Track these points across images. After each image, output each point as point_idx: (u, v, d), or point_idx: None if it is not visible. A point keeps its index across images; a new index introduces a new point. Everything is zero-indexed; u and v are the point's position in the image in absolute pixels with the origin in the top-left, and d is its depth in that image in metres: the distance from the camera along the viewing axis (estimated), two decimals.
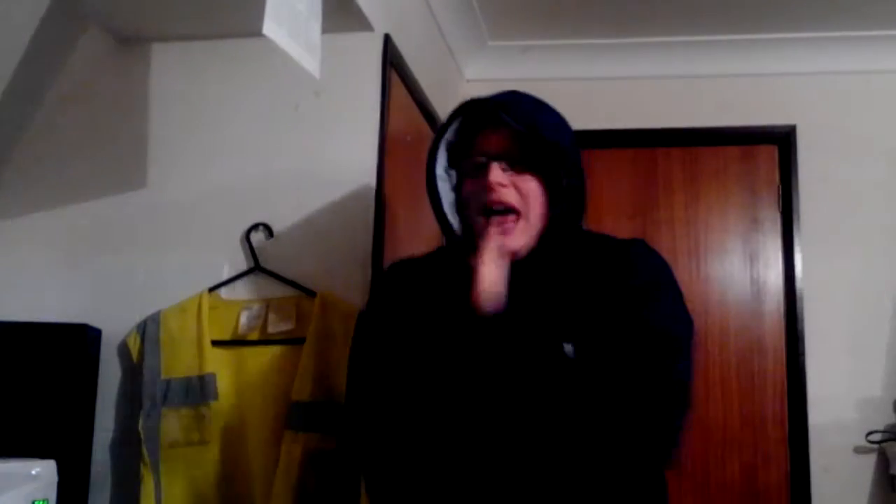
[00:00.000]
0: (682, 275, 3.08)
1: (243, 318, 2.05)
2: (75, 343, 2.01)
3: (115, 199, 2.22)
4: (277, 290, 2.10)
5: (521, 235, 1.42)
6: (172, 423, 1.98)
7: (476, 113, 1.47)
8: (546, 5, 2.98)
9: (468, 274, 1.37)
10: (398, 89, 2.42)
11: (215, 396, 1.98)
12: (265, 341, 2.03)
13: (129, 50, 2.29)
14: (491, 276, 1.36)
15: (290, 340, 2.02)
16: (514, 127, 1.41)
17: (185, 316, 2.04)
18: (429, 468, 1.40)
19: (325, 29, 1.84)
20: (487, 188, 1.40)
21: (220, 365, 2.02)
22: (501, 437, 1.36)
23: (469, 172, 1.46)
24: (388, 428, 1.43)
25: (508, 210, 1.41)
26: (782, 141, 3.16)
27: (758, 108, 3.17)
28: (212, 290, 2.09)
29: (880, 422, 2.92)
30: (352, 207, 2.15)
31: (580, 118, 3.30)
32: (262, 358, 2.03)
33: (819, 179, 3.11)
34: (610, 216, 3.17)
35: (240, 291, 2.11)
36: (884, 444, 2.89)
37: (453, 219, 1.49)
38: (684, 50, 3.19)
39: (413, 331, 1.44)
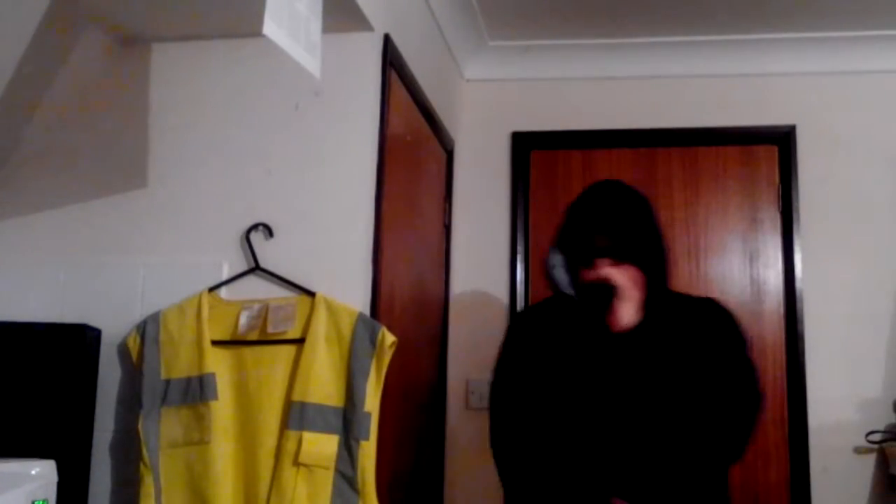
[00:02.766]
0: (682, 275, 3.13)
1: (243, 319, 2.05)
2: (75, 343, 2.01)
3: (115, 199, 2.22)
4: (277, 291, 2.10)
5: (629, 315, 1.94)
6: (172, 423, 1.98)
7: (585, 218, 1.99)
8: (546, 5, 2.98)
9: (598, 322, 1.94)
10: (398, 89, 2.42)
11: (215, 396, 1.98)
12: (265, 341, 2.03)
13: (129, 50, 2.29)
14: (625, 309, 1.93)
15: (290, 340, 2.02)
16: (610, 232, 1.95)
17: (184, 316, 2.04)
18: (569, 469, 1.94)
19: (325, 29, 1.84)
20: (598, 278, 1.93)
21: (219, 365, 2.02)
22: (629, 438, 1.90)
23: (583, 262, 1.96)
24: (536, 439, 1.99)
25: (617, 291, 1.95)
26: (782, 141, 3.16)
27: (758, 108, 3.17)
28: (212, 290, 2.09)
29: (880, 422, 2.92)
30: (352, 207, 2.15)
31: (580, 118, 3.35)
32: (262, 358, 2.03)
33: (819, 179, 3.11)
34: None
35: (240, 291, 2.11)
36: (884, 444, 2.89)
37: (570, 292, 1.98)
38: (684, 50, 3.19)
39: (555, 358, 1.97)
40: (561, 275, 1.99)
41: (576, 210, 2.03)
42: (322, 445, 1.95)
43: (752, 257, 3.14)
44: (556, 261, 1.99)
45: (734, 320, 2.04)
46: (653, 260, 1.96)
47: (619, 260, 1.92)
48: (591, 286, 1.93)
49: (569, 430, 1.93)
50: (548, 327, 2.05)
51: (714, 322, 2.01)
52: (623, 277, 1.91)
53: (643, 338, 1.93)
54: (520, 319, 2.20)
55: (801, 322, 3.04)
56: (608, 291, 1.91)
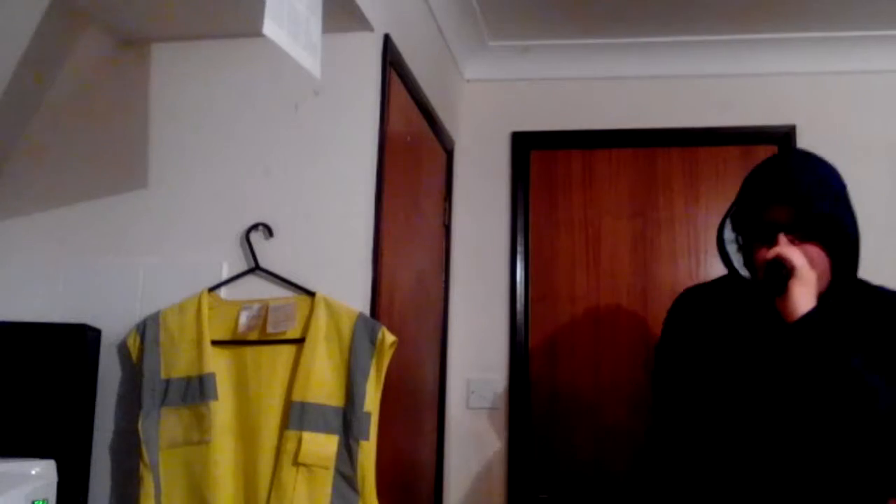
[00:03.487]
0: (682, 275, 3.12)
1: (243, 318, 2.05)
2: (75, 343, 2.01)
3: (115, 199, 2.22)
4: (277, 290, 2.10)
5: (808, 301, 1.64)
6: (172, 423, 1.99)
7: (764, 186, 1.69)
8: (546, 5, 2.98)
9: (771, 308, 1.65)
10: (398, 89, 2.42)
11: (215, 396, 1.98)
12: (265, 341, 2.03)
13: (130, 50, 2.29)
14: (802, 293, 1.62)
15: (290, 340, 2.02)
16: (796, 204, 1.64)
17: (184, 316, 2.05)
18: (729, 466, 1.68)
19: (325, 29, 1.84)
20: (778, 256, 1.63)
21: (219, 365, 2.02)
22: (797, 437, 1.64)
23: (759, 239, 1.68)
24: (695, 432, 1.72)
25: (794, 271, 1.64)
26: (782, 141, 3.16)
27: (758, 108, 3.17)
28: (211, 290, 2.09)
29: None
30: (352, 207, 2.16)
31: (580, 118, 3.35)
32: (262, 358, 2.03)
33: None
34: (610, 216, 3.17)
35: (239, 291, 2.11)
36: None
37: (744, 272, 1.72)
38: (684, 50, 3.19)
39: (717, 345, 1.70)
40: (734, 254, 1.72)
41: (755, 178, 1.73)
42: (322, 445, 1.95)
43: None
44: (730, 235, 1.72)
45: None
46: (841, 241, 1.67)
47: (801, 238, 1.65)
48: (765, 266, 1.64)
49: (725, 435, 1.69)
50: (713, 310, 1.79)
51: None
52: (802, 258, 1.62)
53: (817, 331, 1.62)
54: (684, 299, 1.86)
55: None
56: (784, 272, 1.62)
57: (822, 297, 1.66)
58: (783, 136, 3.16)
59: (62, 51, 2.18)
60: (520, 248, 3.17)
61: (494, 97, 3.30)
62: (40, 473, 1.75)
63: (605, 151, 3.22)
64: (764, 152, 3.18)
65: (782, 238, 1.64)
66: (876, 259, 3.04)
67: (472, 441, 3.06)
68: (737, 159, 3.19)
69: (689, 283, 3.05)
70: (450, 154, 3.15)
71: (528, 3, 2.97)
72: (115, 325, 2.10)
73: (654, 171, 3.21)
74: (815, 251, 1.66)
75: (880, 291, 1.81)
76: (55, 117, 2.26)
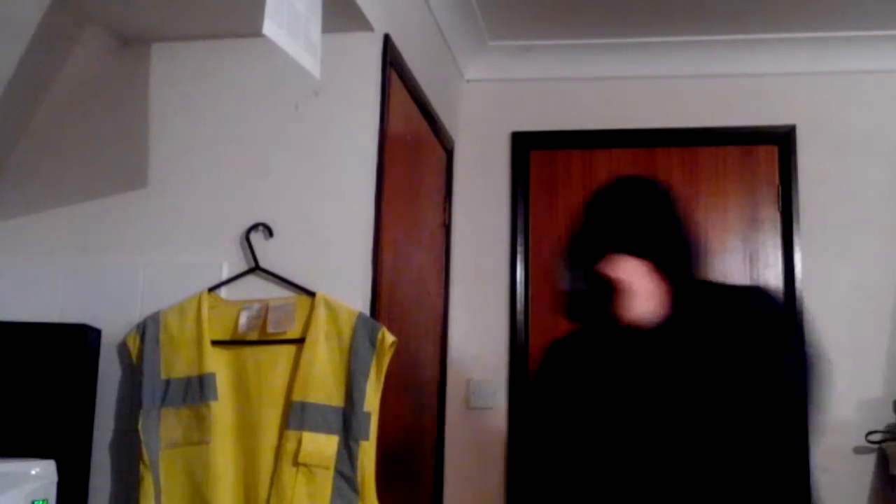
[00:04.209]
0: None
1: (243, 318, 2.05)
2: (75, 343, 2.01)
3: (115, 199, 2.22)
4: (277, 290, 2.10)
5: (643, 308, 1.72)
6: (172, 423, 1.98)
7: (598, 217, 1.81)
8: (546, 5, 2.98)
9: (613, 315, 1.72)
10: (398, 89, 2.42)
11: (215, 396, 1.98)
12: (265, 341, 2.03)
13: (130, 50, 2.29)
14: (633, 304, 1.70)
15: (290, 340, 2.02)
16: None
17: (184, 316, 2.04)
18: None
19: (325, 29, 1.84)
20: (612, 278, 1.71)
21: (219, 365, 2.02)
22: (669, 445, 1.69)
23: (596, 261, 1.75)
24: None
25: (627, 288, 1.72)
26: (782, 141, 3.16)
27: (758, 108, 3.17)
28: (212, 290, 2.09)
29: (880, 422, 2.92)
30: (352, 207, 2.15)
31: (580, 118, 3.34)
32: (262, 358, 2.03)
33: (819, 179, 3.11)
34: None
35: (239, 291, 2.11)
36: (884, 444, 2.89)
37: (580, 287, 1.79)
38: (684, 50, 3.19)
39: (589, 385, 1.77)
40: (575, 276, 1.81)
41: (593, 210, 1.85)
42: (322, 445, 1.95)
43: (752, 257, 3.14)
44: (567, 268, 1.83)
45: (774, 306, 1.87)
46: (671, 251, 1.80)
47: (631, 255, 1.75)
48: (594, 282, 1.75)
49: (597, 450, 1.74)
50: (582, 354, 1.87)
51: (749, 311, 1.81)
52: (624, 271, 1.73)
53: (673, 333, 1.73)
54: (554, 350, 1.98)
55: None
56: (609, 287, 1.72)
57: (669, 303, 1.75)
58: (783, 136, 3.16)
59: (62, 51, 2.18)
60: (520, 248, 3.17)
61: (494, 97, 3.30)
62: (40, 473, 1.75)
63: (604, 151, 3.22)
64: (764, 152, 3.19)
65: (609, 257, 1.74)
66: (876, 259, 3.06)
67: (472, 441, 3.06)
68: (737, 159, 3.19)
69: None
70: (450, 154, 3.15)
71: (528, 3, 2.97)
72: (115, 325, 2.10)
73: (654, 171, 3.20)
74: (646, 267, 1.75)
75: (726, 287, 1.93)
76: (55, 117, 2.26)
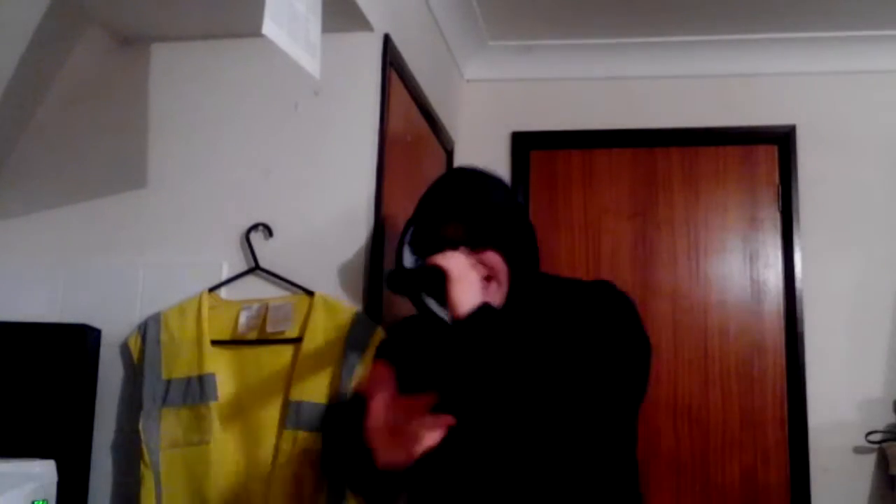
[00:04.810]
0: (681, 275, 3.12)
1: (242, 318, 2.05)
2: (75, 343, 2.01)
3: (115, 199, 2.22)
4: (277, 291, 2.10)
5: (496, 296, 1.66)
6: (172, 424, 1.98)
7: (435, 208, 1.74)
8: (546, 5, 2.98)
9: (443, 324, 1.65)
10: (398, 89, 2.42)
11: (215, 397, 1.99)
12: (265, 341, 2.03)
13: (130, 50, 2.29)
14: (463, 293, 1.58)
15: (289, 340, 2.02)
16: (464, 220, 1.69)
17: (185, 316, 2.05)
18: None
19: (325, 29, 1.84)
20: (427, 263, 1.63)
21: (219, 365, 2.02)
22: (488, 442, 1.60)
23: (435, 251, 1.66)
24: None
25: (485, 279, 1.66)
26: (782, 141, 3.16)
27: (758, 108, 3.17)
28: (212, 290, 2.09)
29: (880, 422, 2.92)
30: (352, 207, 2.15)
31: (580, 118, 3.34)
32: (262, 358, 2.03)
33: (819, 179, 3.11)
34: (610, 216, 3.17)
35: (240, 291, 2.11)
36: (884, 444, 2.89)
37: (430, 302, 1.71)
38: (684, 50, 3.19)
39: (412, 375, 1.63)
40: (409, 262, 1.75)
41: (425, 201, 1.78)
42: (315, 444, 1.94)
43: (752, 257, 3.14)
44: (407, 259, 1.75)
45: (617, 299, 1.70)
46: (515, 243, 1.71)
47: (475, 248, 1.68)
48: (420, 273, 1.66)
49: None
50: (408, 345, 1.81)
51: (582, 301, 1.71)
52: (455, 261, 1.61)
53: (487, 322, 1.58)
54: (383, 342, 1.92)
55: (801, 322, 3.03)
56: (439, 277, 1.61)
57: (508, 296, 1.69)
58: (783, 136, 3.16)
59: (62, 51, 2.18)
60: None
61: (494, 97, 3.30)
62: (40, 473, 1.75)
63: (605, 151, 3.22)
64: (764, 152, 3.19)
65: (448, 251, 1.65)
66: (876, 259, 3.06)
67: None
68: (737, 159, 3.19)
69: (689, 283, 3.09)
70: (450, 154, 3.15)
71: (528, 3, 2.97)
72: (115, 325, 2.10)
73: (654, 171, 3.21)
74: (492, 257, 1.69)
75: (559, 281, 1.83)
76: (55, 117, 2.26)
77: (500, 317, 1.59)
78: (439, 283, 1.59)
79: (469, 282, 1.61)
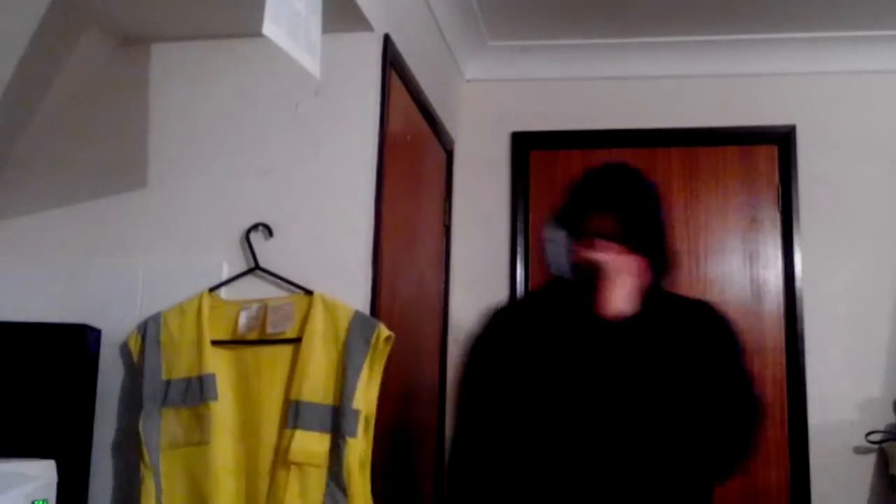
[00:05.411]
0: (681, 274, 3.10)
1: (242, 319, 2.05)
2: (75, 343, 2.01)
3: (115, 199, 2.22)
4: (277, 290, 2.10)
5: (626, 303, 1.72)
6: (172, 424, 1.98)
7: (589, 200, 1.80)
8: (546, 5, 2.98)
9: (587, 308, 1.72)
10: (398, 89, 2.42)
11: (215, 397, 1.98)
12: (264, 341, 2.03)
13: (130, 50, 2.29)
14: (615, 294, 1.70)
15: (289, 340, 2.02)
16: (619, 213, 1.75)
17: (185, 316, 2.05)
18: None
19: (325, 29, 1.84)
20: (599, 262, 1.72)
21: (219, 365, 2.02)
22: (613, 438, 1.69)
23: (580, 240, 1.76)
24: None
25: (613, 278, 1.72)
26: (782, 141, 3.16)
27: (758, 108, 3.17)
28: (212, 290, 2.09)
29: (880, 422, 2.92)
30: (352, 207, 2.15)
31: (580, 118, 3.34)
32: (262, 358, 2.03)
33: (819, 179, 3.11)
34: None
35: (240, 291, 2.11)
36: (884, 444, 2.89)
37: (560, 273, 1.77)
38: (684, 50, 3.19)
39: (536, 356, 1.74)
40: (555, 254, 1.79)
41: (580, 188, 1.83)
42: (313, 443, 1.94)
43: (752, 257, 3.14)
44: (554, 237, 1.78)
45: (730, 326, 1.85)
46: (656, 250, 1.78)
47: (619, 244, 1.73)
48: (581, 266, 1.73)
49: (545, 428, 1.71)
50: (528, 319, 1.84)
51: (710, 327, 1.82)
52: (615, 259, 1.71)
53: (638, 330, 1.72)
54: (493, 317, 1.91)
55: (801, 322, 3.03)
56: (596, 272, 1.70)
57: (643, 301, 1.74)
58: (783, 136, 3.16)
59: (62, 51, 2.18)
60: (520, 249, 3.17)
61: (494, 97, 3.30)
62: (40, 473, 1.75)
63: (605, 151, 3.21)
64: (764, 152, 3.19)
65: (599, 243, 1.73)
66: (876, 259, 3.06)
67: None
68: (737, 159, 3.19)
69: (689, 283, 3.08)
70: (450, 154, 3.15)
71: (528, 3, 2.97)
72: (115, 325, 2.10)
73: (654, 171, 3.20)
74: (632, 258, 1.74)
75: (681, 298, 1.89)
76: (55, 117, 2.26)
77: (643, 327, 1.70)
78: (594, 274, 1.70)
79: (623, 284, 1.71)
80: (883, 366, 2.98)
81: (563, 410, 1.71)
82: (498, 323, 1.88)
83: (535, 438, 1.72)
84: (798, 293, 3.05)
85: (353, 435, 1.95)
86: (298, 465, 1.93)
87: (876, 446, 2.91)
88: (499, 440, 1.75)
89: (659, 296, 1.80)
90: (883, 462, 2.90)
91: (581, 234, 1.75)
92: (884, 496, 2.89)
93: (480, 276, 3.16)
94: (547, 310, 1.84)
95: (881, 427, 2.91)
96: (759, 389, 1.87)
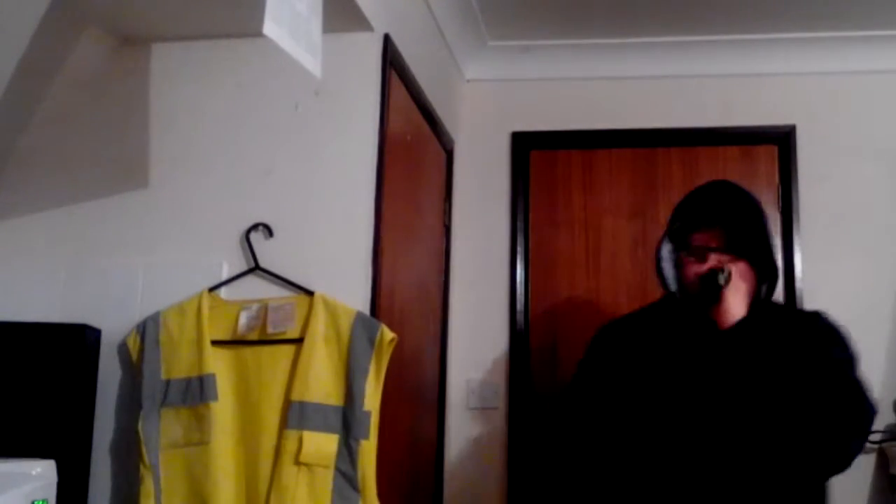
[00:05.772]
0: None
1: (242, 319, 2.05)
2: (75, 343, 2.01)
3: (115, 199, 2.22)
4: (277, 291, 2.10)
5: (740, 309, 1.80)
6: (172, 424, 1.98)
7: (695, 210, 1.90)
8: (546, 5, 2.98)
9: (703, 317, 1.81)
10: (398, 89, 2.42)
11: (215, 397, 1.98)
12: (265, 341, 2.03)
13: (130, 50, 2.29)
14: (736, 301, 1.79)
15: (290, 340, 2.02)
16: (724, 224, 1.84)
17: (184, 316, 2.04)
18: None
19: (325, 29, 1.84)
20: (714, 266, 1.81)
21: (219, 365, 2.02)
22: (723, 442, 1.75)
23: (691, 255, 1.85)
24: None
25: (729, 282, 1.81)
26: (782, 141, 3.16)
27: (758, 108, 3.17)
28: (212, 290, 2.09)
29: (880, 422, 2.92)
30: (352, 207, 2.15)
31: (580, 118, 3.35)
32: (262, 358, 2.03)
33: (819, 179, 3.11)
34: (610, 216, 3.17)
35: (240, 291, 2.11)
36: (884, 444, 2.89)
37: (675, 288, 1.89)
38: (684, 50, 3.19)
39: (649, 364, 1.83)
40: (669, 269, 1.91)
41: (689, 203, 1.94)
42: (322, 444, 1.95)
43: None
44: (666, 255, 1.91)
45: (842, 335, 1.92)
46: (764, 259, 1.85)
47: (732, 254, 1.82)
48: (701, 277, 1.83)
49: (655, 434, 1.79)
50: (641, 332, 1.93)
51: (824, 336, 1.90)
52: (736, 267, 1.80)
53: (749, 337, 1.79)
54: (607, 328, 2.03)
55: None
56: (718, 280, 1.79)
57: (753, 308, 1.83)
58: (783, 136, 3.16)
59: (62, 51, 2.18)
60: (520, 249, 3.17)
61: (494, 97, 3.30)
62: (40, 473, 1.75)
63: (605, 151, 3.22)
64: (764, 152, 3.19)
65: (710, 256, 1.82)
66: (876, 259, 3.06)
67: (472, 441, 3.06)
68: (737, 159, 3.19)
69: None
70: (450, 154, 3.15)
71: (528, 3, 2.97)
72: (115, 325, 2.10)
73: (654, 171, 3.21)
74: (744, 267, 1.83)
75: (793, 310, 2.06)
76: (55, 117, 2.26)
77: (760, 331, 1.76)
78: (717, 284, 1.78)
79: (742, 293, 1.80)
80: (883, 366, 2.98)
81: (669, 412, 1.79)
82: (610, 334, 1.99)
83: (641, 441, 1.80)
84: (798, 293, 3.05)
85: (367, 437, 1.96)
86: (308, 465, 1.94)
87: (876, 446, 2.91)
88: (607, 446, 1.85)
89: (768, 304, 1.88)
90: (883, 462, 2.90)
91: (691, 249, 1.86)
92: (884, 496, 2.90)
93: (480, 276, 3.16)
94: (662, 321, 1.93)
95: (881, 427, 2.91)
96: (872, 401, 1.91)
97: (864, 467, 2.92)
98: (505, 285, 3.15)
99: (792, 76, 3.18)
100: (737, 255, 1.82)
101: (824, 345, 1.85)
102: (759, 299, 1.84)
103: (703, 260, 1.84)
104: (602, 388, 1.90)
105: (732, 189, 1.93)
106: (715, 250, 1.82)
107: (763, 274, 1.86)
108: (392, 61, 2.32)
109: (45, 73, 2.18)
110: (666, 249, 1.92)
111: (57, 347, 2.00)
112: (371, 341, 2.00)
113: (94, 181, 2.24)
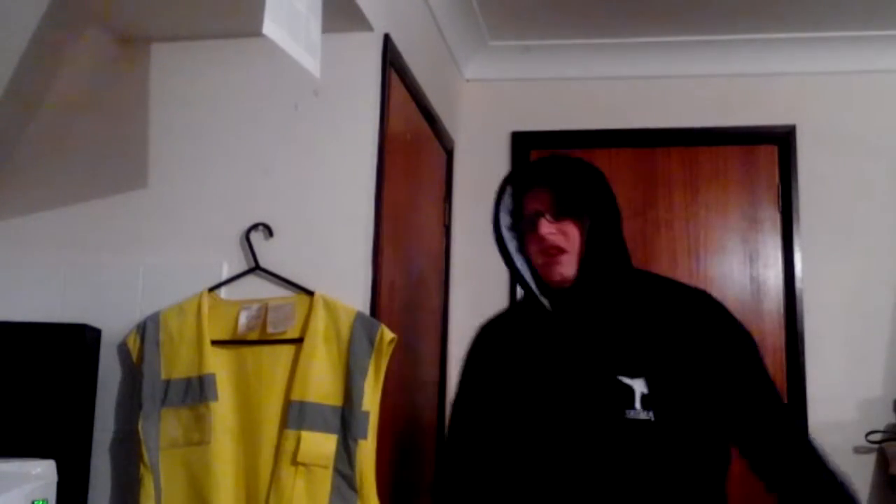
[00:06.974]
0: (682, 274, 3.12)
1: (242, 318, 2.05)
2: (75, 343, 2.01)
3: (115, 199, 2.22)
4: (277, 290, 2.10)
5: (569, 266, 1.74)
6: (172, 424, 1.98)
7: (523, 180, 1.87)
8: (546, 5, 2.98)
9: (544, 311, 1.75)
10: (398, 89, 2.42)
11: (215, 397, 1.98)
12: (265, 341, 2.03)
13: (130, 50, 2.29)
14: (563, 262, 1.73)
15: (289, 340, 2.02)
16: (552, 187, 1.79)
17: (184, 316, 2.04)
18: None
19: (325, 29, 1.84)
20: (541, 238, 1.75)
21: (219, 365, 2.02)
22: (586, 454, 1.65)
23: (526, 229, 1.81)
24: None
25: (561, 250, 1.74)
26: (782, 141, 3.16)
27: (758, 108, 3.17)
28: (211, 290, 2.09)
29: (880, 422, 2.92)
30: (352, 207, 2.15)
31: (580, 118, 3.35)
32: (262, 358, 2.03)
33: (819, 179, 3.11)
34: None
35: (240, 291, 2.11)
36: (884, 444, 2.89)
37: (523, 269, 1.83)
38: (684, 50, 3.19)
39: (515, 365, 1.76)
40: (520, 261, 1.83)
41: (510, 178, 1.90)
42: (320, 444, 1.95)
43: (752, 257, 3.14)
44: (504, 233, 1.86)
45: (736, 318, 1.80)
46: (594, 214, 1.76)
47: (557, 217, 1.75)
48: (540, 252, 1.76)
49: (523, 433, 1.68)
50: (510, 336, 1.85)
51: (719, 318, 1.78)
52: (559, 236, 1.73)
53: (582, 296, 1.71)
54: (481, 334, 1.93)
55: (801, 322, 3.03)
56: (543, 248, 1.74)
57: (583, 266, 1.74)
58: (783, 136, 3.16)
59: (62, 51, 2.18)
60: None
61: (494, 97, 3.30)
62: (40, 473, 1.75)
63: (605, 151, 3.22)
64: (764, 152, 3.19)
65: (543, 222, 1.75)
66: (876, 259, 3.06)
67: None
68: (737, 159, 3.19)
69: (689, 283, 3.06)
70: (450, 154, 3.15)
71: (528, 3, 2.97)
72: (115, 325, 2.10)
73: (654, 171, 3.21)
74: (568, 227, 1.76)
75: (672, 283, 1.89)
76: (55, 117, 2.26)
77: (595, 294, 1.71)
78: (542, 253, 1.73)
79: (573, 253, 1.73)
80: (883, 366, 2.98)
81: (531, 401, 1.70)
82: (478, 339, 1.92)
83: (510, 436, 1.70)
84: (798, 293, 3.06)
85: (365, 437, 1.96)
86: (306, 465, 1.94)
87: (876, 446, 2.91)
88: (481, 444, 1.75)
89: (605, 266, 1.76)
90: (883, 462, 2.90)
91: (524, 219, 1.82)
92: (884, 496, 2.90)
93: (480, 276, 3.16)
94: (520, 311, 1.90)
95: (881, 427, 2.91)
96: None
97: (864, 467, 2.93)
98: (505, 285, 3.15)
99: (792, 76, 3.18)
100: (561, 216, 1.75)
101: (725, 329, 1.76)
102: (593, 255, 1.73)
103: (535, 228, 1.77)
104: (470, 399, 1.82)
105: (563, 158, 1.86)
106: (543, 214, 1.76)
107: (594, 228, 1.76)
108: (392, 61, 2.32)
109: (45, 73, 2.18)
110: (505, 224, 1.88)
111: (57, 347, 2.00)
112: (371, 341, 2.01)
113: (95, 181, 2.24)
